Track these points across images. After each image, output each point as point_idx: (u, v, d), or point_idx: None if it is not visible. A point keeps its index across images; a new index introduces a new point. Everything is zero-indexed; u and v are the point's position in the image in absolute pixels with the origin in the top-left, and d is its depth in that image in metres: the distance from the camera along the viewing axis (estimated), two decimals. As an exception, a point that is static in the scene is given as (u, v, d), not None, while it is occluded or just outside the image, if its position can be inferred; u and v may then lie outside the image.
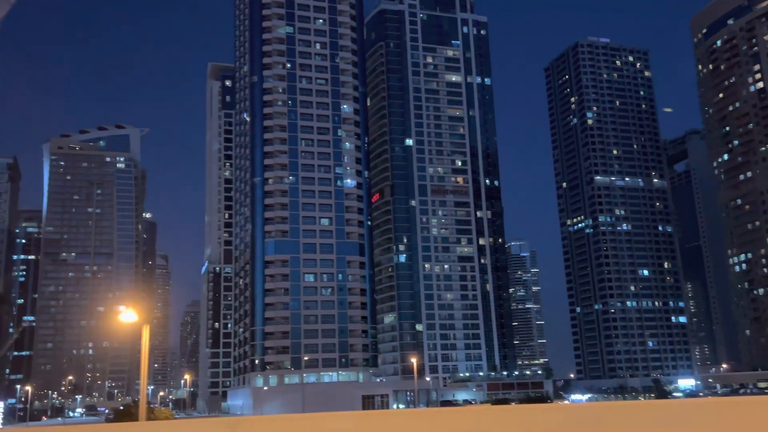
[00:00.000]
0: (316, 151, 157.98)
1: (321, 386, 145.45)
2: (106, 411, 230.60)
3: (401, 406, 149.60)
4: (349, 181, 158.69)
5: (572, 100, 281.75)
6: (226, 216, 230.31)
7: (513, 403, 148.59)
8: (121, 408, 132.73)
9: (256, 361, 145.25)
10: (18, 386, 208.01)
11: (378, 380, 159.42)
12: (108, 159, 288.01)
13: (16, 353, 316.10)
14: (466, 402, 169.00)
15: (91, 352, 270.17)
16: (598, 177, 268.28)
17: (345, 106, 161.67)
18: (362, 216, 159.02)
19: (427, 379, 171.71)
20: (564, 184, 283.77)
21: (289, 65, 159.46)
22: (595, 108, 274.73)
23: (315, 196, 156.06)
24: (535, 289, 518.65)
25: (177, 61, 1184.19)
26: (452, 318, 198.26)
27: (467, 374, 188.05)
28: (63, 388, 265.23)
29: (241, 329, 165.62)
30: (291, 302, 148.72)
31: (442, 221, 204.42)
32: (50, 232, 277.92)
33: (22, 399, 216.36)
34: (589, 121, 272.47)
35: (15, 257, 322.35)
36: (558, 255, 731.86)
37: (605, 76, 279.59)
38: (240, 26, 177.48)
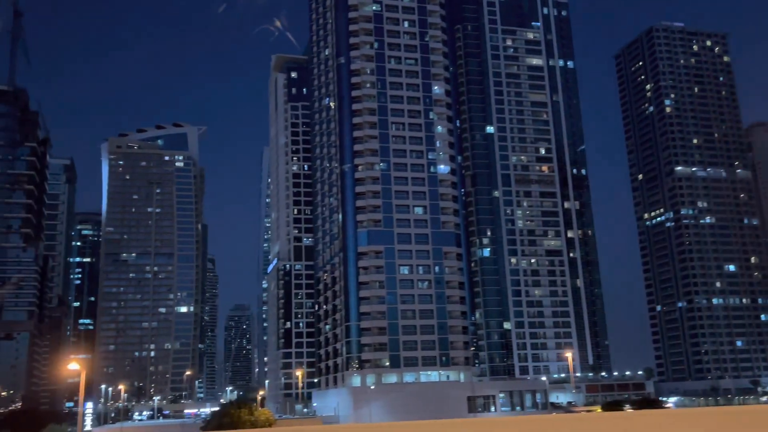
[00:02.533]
0: (408, 135, 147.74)
1: (422, 386, 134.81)
2: (171, 414, 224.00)
3: (505, 409, 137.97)
4: (442, 167, 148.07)
5: (647, 87, 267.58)
6: (295, 212, 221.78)
7: (627, 407, 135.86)
8: (218, 408, 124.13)
9: (353, 359, 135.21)
10: (104, 387, 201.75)
11: (477, 380, 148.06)
12: (167, 158, 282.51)
13: (73, 356, 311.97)
14: (570, 405, 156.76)
15: (153, 354, 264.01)
16: (679, 167, 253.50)
17: (436, 88, 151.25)
18: (457, 204, 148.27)
19: (528, 379, 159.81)
20: (640, 176, 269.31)
21: (376, 45, 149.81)
22: (672, 95, 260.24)
23: (408, 183, 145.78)
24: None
25: (229, 57, 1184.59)
26: (541, 315, 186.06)
27: (562, 375, 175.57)
28: (125, 392, 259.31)
29: (328, 326, 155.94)
30: (387, 296, 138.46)
31: (527, 213, 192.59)
32: (110, 233, 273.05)
33: (101, 399, 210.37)
34: (667, 109, 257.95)
35: (71, 260, 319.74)
36: (627, 249, 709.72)
37: (682, 61, 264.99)
38: (318, 8, 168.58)
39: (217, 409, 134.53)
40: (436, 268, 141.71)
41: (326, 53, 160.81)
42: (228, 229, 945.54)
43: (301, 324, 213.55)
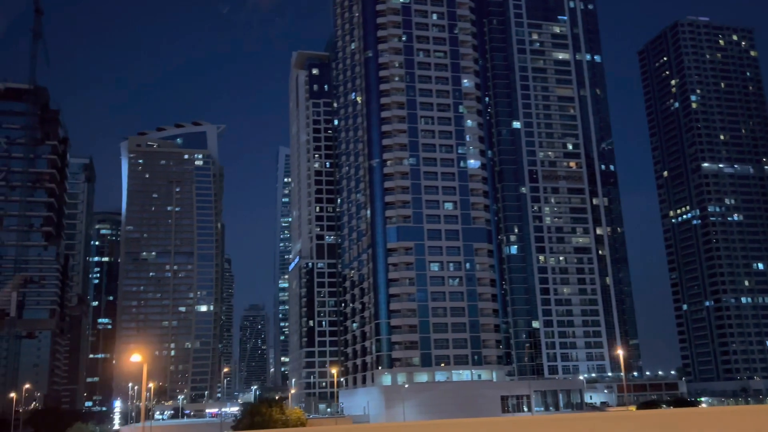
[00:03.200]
0: (437, 129, 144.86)
1: (455, 385, 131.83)
2: (192, 413, 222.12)
3: (538, 409, 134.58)
4: (472, 161, 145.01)
5: (672, 83, 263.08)
6: (317, 209, 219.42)
7: (663, 406, 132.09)
8: (245, 406, 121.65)
9: (383, 358, 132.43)
10: (131, 385, 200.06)
11: (509, 379, 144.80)
12: (186, 156, 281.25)
13: (92, 356, 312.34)
14: (604, 404, 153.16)
15: (173, 353, 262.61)
16: (705, 164, 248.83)
17: (465, 81, 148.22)
18: (488, 200, 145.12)
19: (557, 378, 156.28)
20: (665, 173, 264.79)
21: (405, 38, 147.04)
22: (698, 90, 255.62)
23: (437, 178, 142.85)
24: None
25: (247, 56, 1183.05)
26: (570, 314, 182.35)
27: (593, 375, 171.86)
28: (148, 391, 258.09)
29: (355, 324, 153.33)
30: (417, 293, 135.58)
31: (555, 209, 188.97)
32: (130, 232, 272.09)
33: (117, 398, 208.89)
34: (693, 105, 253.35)
35: (89, 259, 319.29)
36: (651, 248, 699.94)
37: (708, 56, 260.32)
38: (343, 2, 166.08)
39: (236, 409, 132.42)
40: (467, 265, 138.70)
41: (352, 47, 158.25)
42: (241, 229, 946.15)
43: (324, 323, 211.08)
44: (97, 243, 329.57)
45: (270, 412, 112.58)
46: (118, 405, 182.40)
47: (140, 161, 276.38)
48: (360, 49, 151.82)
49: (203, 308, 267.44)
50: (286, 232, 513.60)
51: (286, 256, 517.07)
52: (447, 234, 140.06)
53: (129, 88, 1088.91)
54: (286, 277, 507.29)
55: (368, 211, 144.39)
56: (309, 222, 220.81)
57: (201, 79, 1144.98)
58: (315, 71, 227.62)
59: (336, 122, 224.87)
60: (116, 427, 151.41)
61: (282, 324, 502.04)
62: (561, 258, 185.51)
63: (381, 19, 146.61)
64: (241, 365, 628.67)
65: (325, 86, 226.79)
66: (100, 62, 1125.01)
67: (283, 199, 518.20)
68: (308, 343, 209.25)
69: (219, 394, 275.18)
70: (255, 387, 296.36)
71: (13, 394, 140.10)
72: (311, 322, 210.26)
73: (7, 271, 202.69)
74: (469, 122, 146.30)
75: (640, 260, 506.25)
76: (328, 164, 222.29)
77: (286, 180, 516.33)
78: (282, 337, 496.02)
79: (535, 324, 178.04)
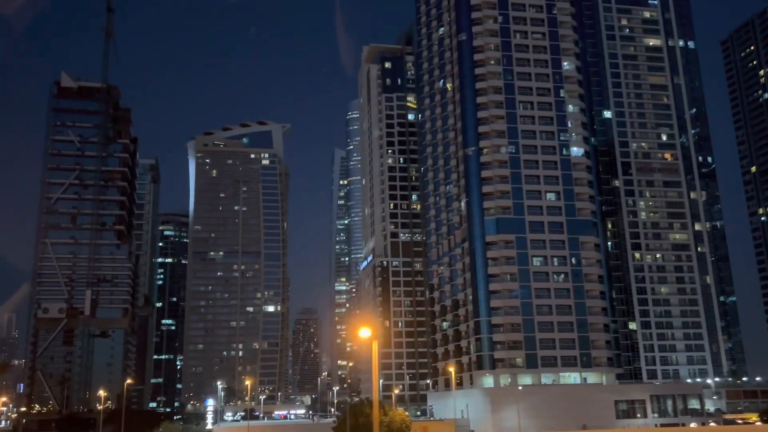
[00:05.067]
0: (537, 115, 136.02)
1: (564, 389, 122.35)
2: (261, 415, 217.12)
3: (654, 415, 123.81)
4: (575, 149, 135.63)
5: (761, 73, 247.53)
6: (391, 206, 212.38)
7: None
8: (343, 407, 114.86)
9: (484, 358, 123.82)
10: (219, 384, 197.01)
11: (617, 383, 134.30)
12: (252, 156, 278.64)
13: (156, 356, 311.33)
14: (718, 411, 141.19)
15: (240, 354, 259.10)
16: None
17: (566, 63, 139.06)
18: (592, 190, 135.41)
19: (673, 383, 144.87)
20: (753, 168, 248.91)
21: (501, 19, 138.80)
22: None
23: (538, 166, 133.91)
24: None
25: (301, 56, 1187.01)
26: (669, 315, 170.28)
27: (698, 380, 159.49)
28: (215, 393, 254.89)
29: (446, 323, 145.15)
30: (520, 290, 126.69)
31: (650, 204, 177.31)
32: (197, 231, 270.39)
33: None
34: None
35: (153, 261, 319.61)
36: (737, 245, 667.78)
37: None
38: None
39: (302, 411, 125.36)
40: (573, 260, 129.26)
41: (440, 32, 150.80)
42: (291, 231, 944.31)
43: (400, 323, 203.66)
44: (160, 244, 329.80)
45: (373, 413, 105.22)
46: (211, 403, 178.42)
47: (207, 161, 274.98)
48: (451, 33, 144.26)
49: (270, 308, 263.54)
50: (341, 234, 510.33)
51: (342, 259, 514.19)
52: (550, 226, 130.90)
53: (192, 89, 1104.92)
54: (343, 279, 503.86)
55: (462, 203, 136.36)
56: (382, 220, 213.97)
57: (255, 78, 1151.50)
58: (387, 65, 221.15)
59: (411, 116, 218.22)
60: (209, 426, 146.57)
61: (338, 327, 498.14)
62: (658, 255, 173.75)
63: (475, 1, 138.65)
64: (294, 368, 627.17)
65: (398, 80, 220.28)
66: (162, 64, 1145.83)
67: (338, 202, 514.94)
68: (384, 344, 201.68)
69: (293, 396, 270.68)
70: (336, 388, 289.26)
71: (102, 392, 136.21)
72: (387, 323, 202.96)
73: (81, 269, 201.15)
74: (570, 107, 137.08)
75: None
76: (402, 160, 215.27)
77: (341, 182, 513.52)
78: (338, 340, 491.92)
79: (632, 325, 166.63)
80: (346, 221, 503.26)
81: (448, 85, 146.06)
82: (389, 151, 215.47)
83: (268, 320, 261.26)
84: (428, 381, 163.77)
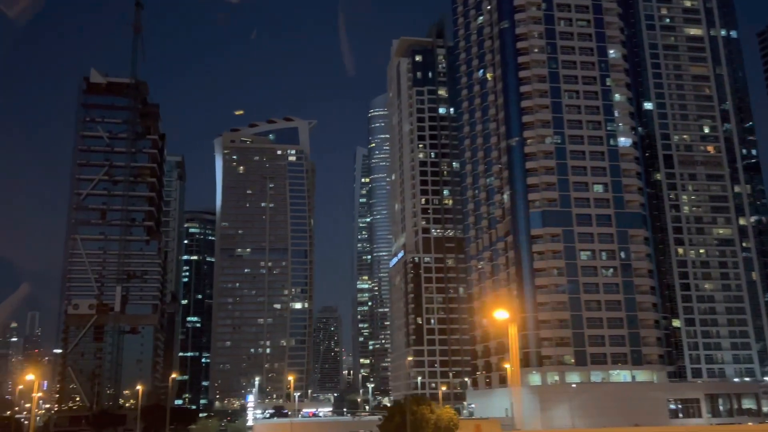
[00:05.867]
0: (583, 104, 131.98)
1: (615, 387, 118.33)
2: (289, 412, 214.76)
3: (707, 415, 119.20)
4: (623, 139, 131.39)
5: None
6: (423, 201, 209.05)
7: None
8: (391, 405, 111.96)
9: (531, 355, 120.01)
10: (257, 380, 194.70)
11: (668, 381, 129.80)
12: (279, 152, 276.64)
13: (181, 354, 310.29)
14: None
15: (268, 351, 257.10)
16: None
17: (612, 51, 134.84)
18: (641, 181, 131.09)
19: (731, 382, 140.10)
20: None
21: (544, 6, 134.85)
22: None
23: (585, 157, 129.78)
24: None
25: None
26: (713, 312, 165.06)
27: (746, 379, 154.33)
28: (243, 390, 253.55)
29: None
30: (568, 285, 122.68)
31: (693, 198, 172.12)
32: (225, 228, 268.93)
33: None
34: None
35: (179, 258, 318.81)
36: None
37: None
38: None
39: (329, 409, 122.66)
40: (622, 254, 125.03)
41: (479, 21, 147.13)
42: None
43: (432, 320, 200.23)
44: (186, 242, 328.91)
45: (421, 411, 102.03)
46: (251, 400, 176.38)
47: (234, 157, 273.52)
48: (492, 21, 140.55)
49: (298, 305, 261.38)
50: (363, 232, 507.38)
51: (364, 257, 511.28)
52: (598, 219, 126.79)
53: (214, 87, 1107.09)
54: (365, 277, 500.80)
55: (505, 196, 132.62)
56: (414, 215, 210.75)
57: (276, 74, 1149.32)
58: (418, 58, 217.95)
59: (442, 110, 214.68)
60: (249, 423, 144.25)
61: (360, 325, 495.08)
62: (701, 251, 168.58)
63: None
64: (315, 366, 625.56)
65: (429, 73, 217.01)
66: (185, 63, 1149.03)
67: (360, 200, 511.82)
68: (416, 341, 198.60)
69: (316, 394, 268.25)
70: (372, 386, 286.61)
71: (140, 387, 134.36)
72: (419, 320, 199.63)
73: (111, 265, 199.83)
74: (617, 96, 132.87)
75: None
76: (433, 154, 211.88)
77: (363, 180, 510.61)
78: (360, 339, 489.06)
79: (676, 323, 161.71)
80: (368, 219, 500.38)
81: (489, 75, 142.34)
82: (420, 145, 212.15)
83: (295, 317, 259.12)
84: (466, 379, 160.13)
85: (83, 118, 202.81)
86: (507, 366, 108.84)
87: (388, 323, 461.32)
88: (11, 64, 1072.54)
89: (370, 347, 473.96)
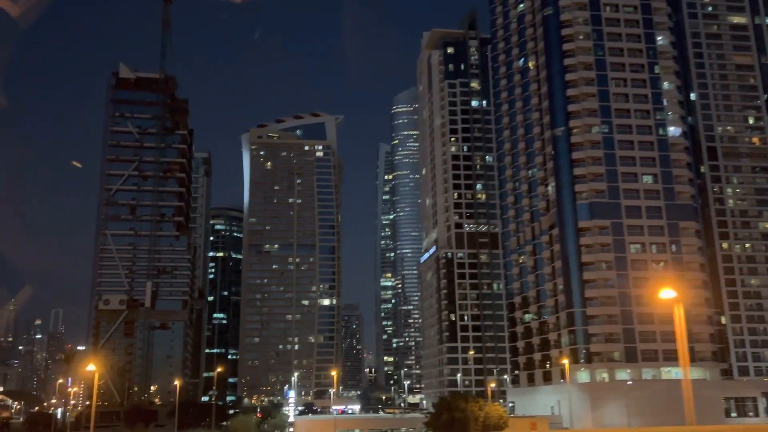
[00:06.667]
0: (630, 92, 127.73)
1: (669, 385, 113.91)
2: (318, 409, 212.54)
3: (763, 414, 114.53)
4: (672, 128, 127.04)
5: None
6: (455, 196, 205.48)
7: None
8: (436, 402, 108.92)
9: (579, 352, 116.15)
10: (295, 376, 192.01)
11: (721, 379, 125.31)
12: (306, 148, 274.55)
13: (208, 351, 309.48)
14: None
15: (297, 347, 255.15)
16: None
17: (660, 38, 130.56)
18: (691, 172, 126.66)
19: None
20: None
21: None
22: None
23: (633, 147, 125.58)
24: None
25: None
26: (760, 309, 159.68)
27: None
28: (271, 386, 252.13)
29: (529, 315, 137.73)
30: (617, 279, 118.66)
31: (738, 191, 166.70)
32: (253, 224, 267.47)
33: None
34: None
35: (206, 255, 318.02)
36: None
37: None
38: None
39: (357, 407, 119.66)
40: (673, 247, 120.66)
41: (519, 9, 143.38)
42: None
43: (465, 316, 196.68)
44: (211, 239, 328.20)
45: (469, 407, 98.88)
46: (292, 395, 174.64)
47: (262, 153, 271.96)
48: (534, 8, 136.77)
49: (326, 302, 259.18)
50: (386, 230, 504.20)
51: (387, 254, 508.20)
52: (648, 211, 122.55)
53: (239, 84, 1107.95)
54: (388, 275, 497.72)
55: (550, 188, 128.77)
56: (446, 210, 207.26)
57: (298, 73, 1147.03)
58: (450, 50, 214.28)
59: (475, 103, 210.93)
60: (291, 419, 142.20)
61: (384, 323, 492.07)
62: (747, 245, 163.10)
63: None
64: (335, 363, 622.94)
65: (462, 65, 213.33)
66: (209, 59, 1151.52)
67: (383, 197, 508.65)
68: (450, 338, 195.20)
69: (342, 392, 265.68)
70: (408, 383, 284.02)
71: (178, 382, 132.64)
72: (452, 316, 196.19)
73: (141, 260, 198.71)
74: (666, 84, 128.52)
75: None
76: (465, 148, 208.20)
77: (386, 177, 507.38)
78: (384, 337, 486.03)
79: (722, 319, 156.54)
80: (391, 216, 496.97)
81: (530, 64, 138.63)
82: (452, 139, 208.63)
83: (323, 314, 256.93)
84: (505, 376, 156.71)
85: (112, 114, 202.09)
86: (564, 362, 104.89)
87: (412, 321, 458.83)
88: (39, 59, 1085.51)
89: (394, 345, 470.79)
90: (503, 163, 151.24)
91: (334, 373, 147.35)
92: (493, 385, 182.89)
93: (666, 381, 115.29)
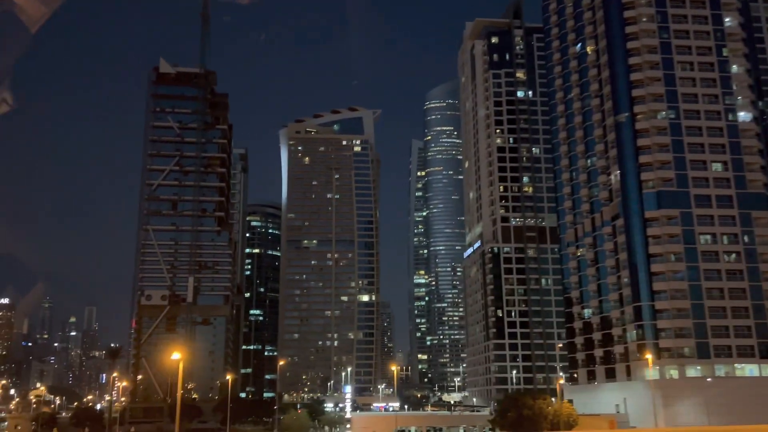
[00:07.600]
0: (698, 77, 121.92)
1: (743, 382, 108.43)
2: (360, 405, 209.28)
3: None
4: (743, 113, 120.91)
5: None
6: (501, 189, 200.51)
7: None
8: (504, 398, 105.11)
9: (647, 347, 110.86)
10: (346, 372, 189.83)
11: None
12: (344, 143, 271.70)
13: (244, 347, 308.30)
14: None
15: (336, 344, 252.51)
16: None
17: (728, 19, 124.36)
18: (764, 159, 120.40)
19: None
20: None
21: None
22: None
23: (702, 133, 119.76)
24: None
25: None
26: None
27: None
28: (310, 383, 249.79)
29: (588, 311, 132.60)
30: (687, 271, 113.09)
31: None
32: (291, 219, 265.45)
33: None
34: None
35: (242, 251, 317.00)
36: None
37: None
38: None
39: (397, 404, 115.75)
40: (745, 237, 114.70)
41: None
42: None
43: (513, 312, 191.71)
44: (248, 235, 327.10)
45: (538, 405, 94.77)
46: (349, 391, 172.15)
47: (300, 148, 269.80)
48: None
49: (365, 298, 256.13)
50: (420, 227, 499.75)
51: (420, 251, 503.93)
52: (718, 200, 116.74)
53: (274, 81, 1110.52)
54: (421, 272, 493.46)
55: (613, 176, 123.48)
56: (491, 204, 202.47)
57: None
58: (494, 40, 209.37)
59: (521, 93, 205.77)
60: (348, 415, 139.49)
61: (417, 321, 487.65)
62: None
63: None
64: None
65: (506, 55, 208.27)
66: (245, 55, 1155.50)
67: (416, 194, 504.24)
68: (497, 334, 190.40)
69: (389, 389, 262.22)
70: (469, 384, 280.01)
71: (230, 377, 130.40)
72: (500, 312, 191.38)
73: (183, 256, 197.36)
74: (735, 67, 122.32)
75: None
76: (511, 140, 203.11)
77: (419, 173, 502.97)
78: (417, 334, 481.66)
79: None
80: (424, 213, 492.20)
81: (589, 49, 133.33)
82: (497, 130, 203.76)
83: (362, 310, 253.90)
84: (561, 373, 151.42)
85: (153, 109, 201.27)
86: (648, 357, 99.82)
87: (446, 318, 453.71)
88: (81, 57, 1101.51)
89: (428, 343, 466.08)
90: (558, 153, 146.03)
91: (394, 368, 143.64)
92: (544, 383, 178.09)
93: (743, 378, 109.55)
